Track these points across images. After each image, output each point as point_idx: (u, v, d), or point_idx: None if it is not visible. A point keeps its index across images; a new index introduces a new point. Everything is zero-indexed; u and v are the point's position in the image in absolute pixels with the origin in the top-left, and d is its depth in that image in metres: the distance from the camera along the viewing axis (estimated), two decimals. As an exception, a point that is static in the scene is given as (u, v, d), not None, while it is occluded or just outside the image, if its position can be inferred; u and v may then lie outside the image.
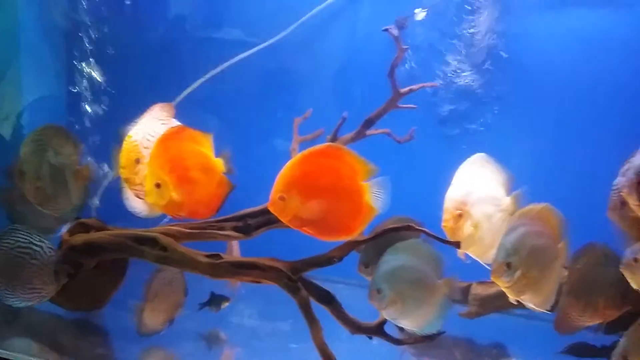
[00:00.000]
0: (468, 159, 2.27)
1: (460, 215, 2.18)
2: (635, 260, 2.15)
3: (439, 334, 2.22)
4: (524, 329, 3.24)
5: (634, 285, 2.21)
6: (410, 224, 2.20)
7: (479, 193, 2.21)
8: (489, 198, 2.22)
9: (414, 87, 2.66)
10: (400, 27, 3.04)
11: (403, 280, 2.10)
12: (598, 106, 3.24)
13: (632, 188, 2.10)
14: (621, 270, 2.20)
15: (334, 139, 2.75)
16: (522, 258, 2.03)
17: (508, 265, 2.03)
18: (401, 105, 2.71)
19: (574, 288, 2.42)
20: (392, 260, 2.11)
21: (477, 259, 2.23)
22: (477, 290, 2.94)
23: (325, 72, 3.78)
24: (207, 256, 2.29)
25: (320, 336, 2.15)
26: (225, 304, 2.76)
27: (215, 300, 2.74)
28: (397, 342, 2.28)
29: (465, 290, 2.98)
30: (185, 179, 2.25)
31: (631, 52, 3.19)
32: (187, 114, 2.62)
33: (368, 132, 2.81)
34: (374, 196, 2.06)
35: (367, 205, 2.07)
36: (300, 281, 2.22)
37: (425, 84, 2.72)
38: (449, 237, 2.21)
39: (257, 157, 3.31)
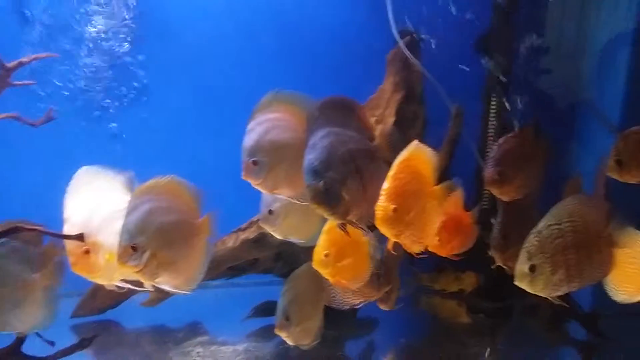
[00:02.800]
0: (71, 182, 1.91)
1: (87, 252, 1.84)
2: (270, 212, 2.11)
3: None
4: (223, 299, 3.18)
5: (276, 235, 2.16)
6: (18, 226, 1.83)
7: (99, 214, 1.88)
8: (113, 212, 1.88)
9: (24, 59, 2.25)
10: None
11: None
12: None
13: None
14: (260, 223, 2.15)
15: None
16: (149, 238, 1.79)
17: (134, 247, 1.79)
18: (16, 82, 2.28)
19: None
20: None
21: (128, 286, 1.95)
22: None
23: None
24: None
25: None
26: None
27: None
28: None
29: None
30: None
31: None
32: None
33: (-13, 117, 2.33)
34: None
35: None
36: None
37: (40, 55, 2.32)
38: (92, 279, 1.90)
39: None
